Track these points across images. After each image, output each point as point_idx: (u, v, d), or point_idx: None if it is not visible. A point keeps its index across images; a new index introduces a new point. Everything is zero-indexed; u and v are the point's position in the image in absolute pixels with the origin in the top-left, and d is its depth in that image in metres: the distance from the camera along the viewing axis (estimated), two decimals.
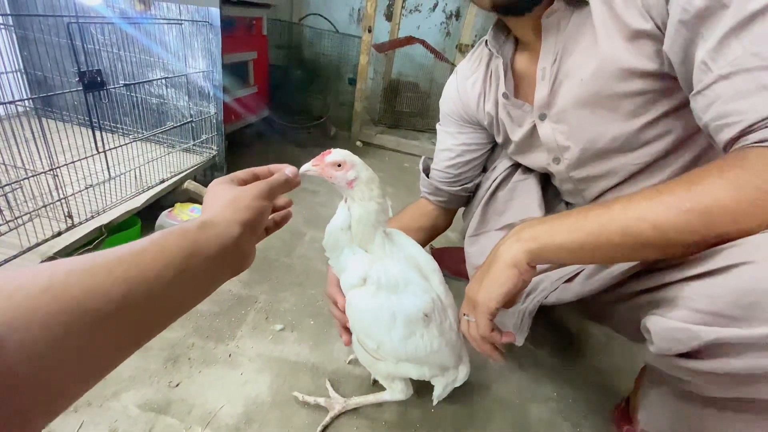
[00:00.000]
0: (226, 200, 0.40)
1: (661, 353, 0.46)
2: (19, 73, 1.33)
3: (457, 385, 0.67)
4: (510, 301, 0.55)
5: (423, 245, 0.92)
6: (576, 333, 1.01)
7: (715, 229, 0.41)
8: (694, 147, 0.61)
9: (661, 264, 0.51)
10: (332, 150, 0.54)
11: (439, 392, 0.67)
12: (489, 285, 0.52)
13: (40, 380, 0.23)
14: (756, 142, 0.41)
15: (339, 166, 0.53)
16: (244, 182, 0.46)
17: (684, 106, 0.55)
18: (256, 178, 0.47)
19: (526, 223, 0.54)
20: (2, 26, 1.12)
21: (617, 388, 0.85)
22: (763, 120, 0.41)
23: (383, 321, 0.56)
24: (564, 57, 0.62)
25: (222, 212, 0.38)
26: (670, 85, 0.54)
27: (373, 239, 0.57)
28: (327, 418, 0.69)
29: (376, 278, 0.55)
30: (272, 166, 0.49)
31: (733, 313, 0.39)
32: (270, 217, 0.51)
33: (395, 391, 0.67)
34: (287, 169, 0.48)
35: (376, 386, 0.77)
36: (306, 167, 0.53)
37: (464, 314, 0.58)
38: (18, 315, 0.22)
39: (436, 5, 2.55)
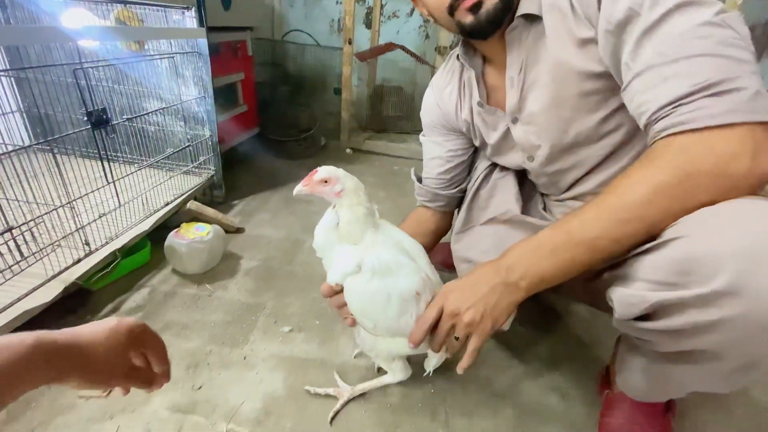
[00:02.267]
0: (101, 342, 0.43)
1: (622, 318, 0.54)
2: (20, 113, 1.40)
3: (449, 356, 0.73)
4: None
5: (429, 250, 0.99)
6: (561, 312, 1.09)
7: (654, 226, 0.50)
8: (644, 136, 0.69)
9: None
10: (318, 169, 0.62)
11: (433, 362, 0.73)
12: (490, 323, 0.59)
13: None
14: (658, 132, 0.50)
15: (326, 182, 0.61)
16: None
17: None
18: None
19: (511, 257, 0.59)
20: (3, 75, 1.19)
21: (601, 359, 0.93)
22: (661, 108, 0.49)
23: (379, 302, 0.63)
24: (528, 66, 0.70)
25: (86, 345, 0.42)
26: (616, 84, 0.62)
27: (362, 237, 0.64)
28: (338, 405, 0.76)
29: (370, 265, 0.62)
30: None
31: (672, 279, 0.46)
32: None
33: (396, 372, 0.75)
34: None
35: (380, 373, 0.84)
36: (297, 189, 0.61)
37: (456, 337, 0.62)
38: None
39: (413, 10, 2.63)
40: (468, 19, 0.65)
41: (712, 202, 0.46)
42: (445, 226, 1.04)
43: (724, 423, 0.81)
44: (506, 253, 0.60)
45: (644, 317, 0.52)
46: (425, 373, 0.74)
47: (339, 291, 0.68)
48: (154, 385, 0.53)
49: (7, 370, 0.35)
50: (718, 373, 0.51)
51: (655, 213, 0.49)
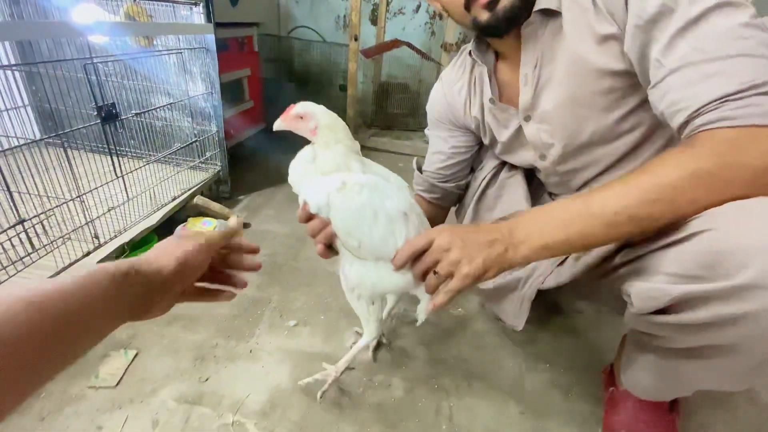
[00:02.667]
0: (168, 252, 0.43)
1: (640, 312, 0.53)
2: (30, 108, 1.42)
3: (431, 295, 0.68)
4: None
5: None
6: (567, 311, 1.09)
7: (679, 211, 0.49)
8: (664, 135, 0.67)
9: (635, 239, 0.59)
10: (295, 104, 0.58)
11: (425, 305, 0.67)
12: (472, 268, 0.54)
13: None
14: (700, 126, 0.48)
15: (301, 118, 0.58)
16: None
17: (648, 101, 0.61)
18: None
19: (517, 220, 0.57)
20: (10, 69, 1.20)
21: (606, 357, 0.93)
22: (706, 105, 0.48)
23: (366, 218, 0.59)
24: (543, 63, 0.68)
25: (155, 260, 0.42)
26: (636, 82, 0.61)
27: (349, 167, 0.61)
28: (325, 386, 0.76)
29: (356, 180, 0.60)
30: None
31: (697, 273, 0.46)
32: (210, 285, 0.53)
33: (370, 331, 0.74)
34: (231, 220, 0.56)
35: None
36: (277, 124, 0.57)
37: (434, 271, 0.58)
38: None
39: (419, 6, 2.63)
40: (484, 16, 0.63)
41: (746, 198, 0.45)
42: (437, 220, 1.02)
43: (729, 424, 0.80)
44: (515, 214, 0.58)
45: (661, 312, 0.51)
46: (417, 323, 0.68)
47: (313, 216, 0.64)
48: (221, 296, 0.55)
49: (93, 306, 0.34)
50: (731, 369, 0.51)
51: (686, 199, 0.48)
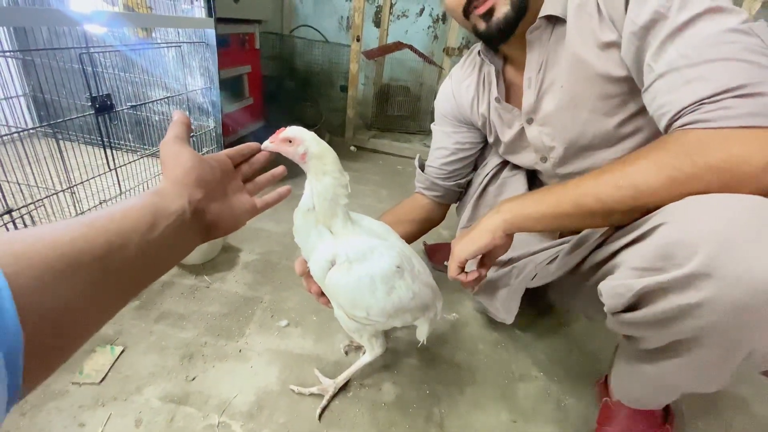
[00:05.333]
0: (184, 168, 0.41)
1: (611, 311, 0.54)
2: (25, 97, 1.40)
3: (438, 318, 0.74)
4: (487, 261, 0.66)
5: (417, 237, 1.01)
6: (562, 320, 1.08)
7: (642, 200, 0.51)
8: None
9: (607, 239, 0.60)
10: (287, 127, 0.57)
11: (425, 330, 0.73)
12: (466, 242, 0.64)
13: (43, 316, 0.25)
14: (679, 127, 0.50)
15: (290, 141, 0.56)
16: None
17: None
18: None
19: (506, 198, 0.66)
20: (11, 55, 1.19)
21: (600, 368, 0.92)
22: (684, 108, 0.50)
23: (365, 287, 0.61)
24: (547, 67, 0.70)
25: (175, 181, 0.41)
26: (636, 88, 0.62)
27: (336, 215, 0.60)
28: (324, 401, 0.75)
29: (344, 255, 0.60)
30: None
31: (656, 264, 0.47)
32: (261, 198, 0.52)
33: (376, 348, 0.74)
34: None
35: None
36: (265, 144, 0.56)
37: (445, 263, 0.69)
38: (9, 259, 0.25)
39: (422, 10, 2.63)
40: (481, 25, 0.67)
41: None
42: (437, 218, 1.04)
43: None
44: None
45: (630, 308, 0.52)
46: (418, 344, 0.75)
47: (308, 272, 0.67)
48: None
49: (169, 239, 0.36)
50: (703, 365, 0.51)
51: (649, 189, 0.50)
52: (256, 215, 0.50)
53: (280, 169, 0.55)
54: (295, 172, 0.59)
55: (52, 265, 0.26)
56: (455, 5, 0.68)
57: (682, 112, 0.50)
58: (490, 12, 0.65)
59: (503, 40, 0.69)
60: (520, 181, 0.90)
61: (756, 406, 0.86)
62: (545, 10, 0.65)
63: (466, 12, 0.67)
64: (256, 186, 0.53)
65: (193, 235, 0.41)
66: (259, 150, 0.54)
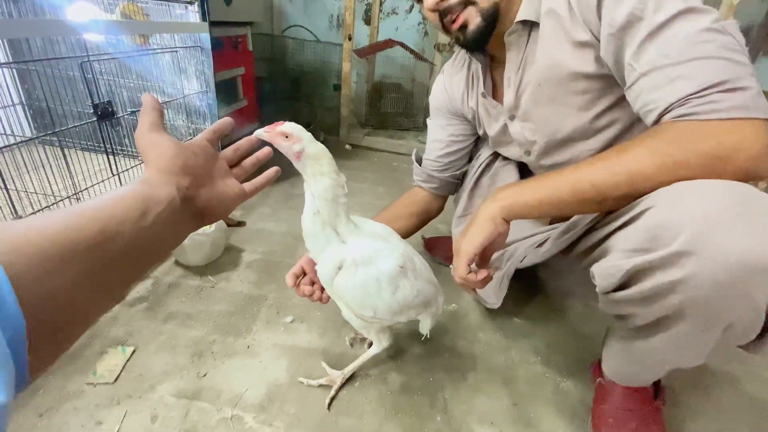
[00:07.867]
0: (167, 157, 0.41)
1: (603, 291, 0.58)
2: (21, 106, 1.41)
3: (440, 313, 0.78)
4: (488, 254, 0.67)
5: (416, 229, 1.04)
6: (559, 305, 1.12)
7: (636, 186, 0.54)
8: (641, 129, 0.71)
9: (598, 224, 0.64)
10: (285, 122, 0.58)
11: (428, 324, 0.76)
12: (470, 235, 0.63)
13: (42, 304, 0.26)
14: (670, 120, 0.53)
15: (287, 137, 0.57)
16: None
17: (623, 100, 0.66)
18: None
19: (501, 186, 0.67)
20: (8, 66, 1.20)
21: (595, 351, 0.96)
22: (672, 104, 0.53)
23: (372, 289, 0.65)
24: (525, 67, 0.74)
25: (160, 169, 0.40)
26: (609, 84, 0.66)
27: (338, 214, 0.63)
28: (332, 391, 0.78)
29: (350, 260, 0.63)
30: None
31: (644, 245, 0.51)
32: (250, 183, 0.51)
33: (383, 341, 0.78)
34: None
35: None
36: (259, 132, 0.57)
37: (450, 265, 0.69)
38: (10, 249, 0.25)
39: (412, 7, 2.64)
40: (459, 36, 0.72)
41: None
42: (435, 209, 1.07)
43: (713, 412, 0.84)
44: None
45: (621, 287, 0.55)
46: (422, 337, 0.77)
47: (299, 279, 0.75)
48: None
49: (161, 227, 0.36)
50: (686, 340, 0.54)
51: (642, 175, 0.53)
52: (246, 199, 0.49)
53: (265, 152, 0.53)
54: (294, 172, 0.62)
55: (47, 254, 0.26)
56: (432, 19, 0.73)
57: (670, 108, 0.53)
58: (464, 25, 0.70)
59: (481, 47, 0.74)
60: (511, 171, 0.94)
61: (746, 384, 0.90)
62: (520, 16, 0.69)
63: (443, 26, 0.72)
64: (242, 170, 0.52)
65: (187, 221, 0.41)
66: (233, 126, 0.52)
